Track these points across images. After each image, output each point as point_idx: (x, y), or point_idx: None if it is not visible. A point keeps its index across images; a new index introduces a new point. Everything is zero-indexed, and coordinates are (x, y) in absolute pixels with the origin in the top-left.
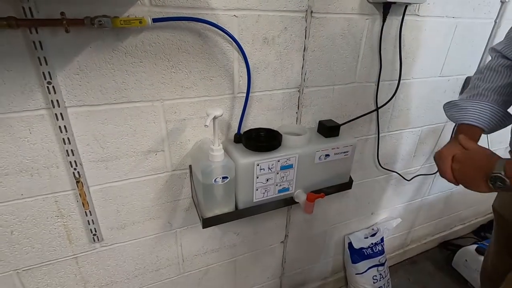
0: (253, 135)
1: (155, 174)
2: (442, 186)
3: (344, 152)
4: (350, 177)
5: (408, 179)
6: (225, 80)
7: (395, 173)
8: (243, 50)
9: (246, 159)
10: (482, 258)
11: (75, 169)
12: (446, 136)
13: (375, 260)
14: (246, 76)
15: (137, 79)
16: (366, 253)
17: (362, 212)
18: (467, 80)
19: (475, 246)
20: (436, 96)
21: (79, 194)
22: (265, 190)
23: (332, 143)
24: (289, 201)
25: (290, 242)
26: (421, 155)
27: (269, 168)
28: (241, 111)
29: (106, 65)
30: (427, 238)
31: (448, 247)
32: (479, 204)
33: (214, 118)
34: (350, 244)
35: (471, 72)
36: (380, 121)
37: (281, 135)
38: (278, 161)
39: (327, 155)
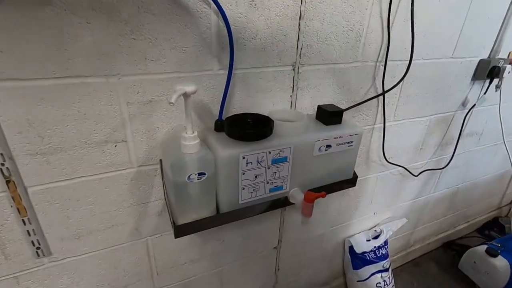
0: (238, 121)
1: (116, 170)
2: (448, 182)
3: (348, 143)
4: (354, 172)
5: (416, 174)
6: (202, 52)
7: (401, 168)
8: (224, 13)
9: (228, 150)
10: (492, 260)
11: (2, 164)
12: (456, 127)
13: (378, 265)
14: (229, 48)
15: (84, 45)
16: (368, 258)
17: (363, 212)
18: (480, 64)
19: (484, 246)
20: (446, 80)
21: (12, 197)
22: (254, 189)
23: (335, 132)
24: (283, 202)
25: (284, 248)
26: (429, 148)
27: (258, 161)
28: (222, 92)
29: (38, 24)
30: (430, 239)
31: (452, 248)
32: (485, 200)
33: (185, 95)
34: (351, 248)
35: (484, 54)
36: (386, 108)
37: (272, 121)
38: (269, 153)
39: (329, 146)
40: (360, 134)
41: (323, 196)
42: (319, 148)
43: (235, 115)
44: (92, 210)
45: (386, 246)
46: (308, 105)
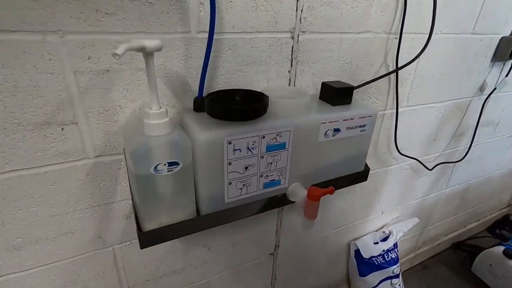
0: (223, 97)
1: (65, 162)
2: (461, 177)
3: (361, 127)
4: (366, 164)
5: (430, 168)
6: (176, 6)
7: (412, 161)
8: None
9: (209, 133)
10: (511, 262)
11: None
12: (472, 115)
13: (388, 271)
14: (209, 3)
15: None
16: (377, 263)
17: (370, 211)
18: (502, 42)
19: (501, 248)
20: (465, 60)
21: None
22: (244, 185)
23: (344, 113)
24: (281, 201)
25: (281, 253)
26: (442, 139)
27: (248, 148)
28: (202, 61)
29: None
30: (440, 239)
31: (462, 248)
32: (496, 197)
33: (145, 53)
34: (357, 252)
35: (507, 31)
36: (399, 91)
37: (266, 96)
38: (263, 137)
39: (337, 130)
40: (375, 116)
41: (331, 193)
42: (326, 132)
43: (219, 91)
44: (36, 213)
45: (396, 249)
46: (309, 83)
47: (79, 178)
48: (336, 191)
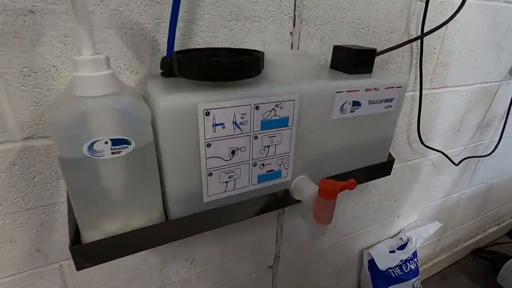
0: (200, 53)
1: None
2: (484, 175)
3: (386, 101)
4: (390, 154)
5: (456, 163)
6: None
7: (433, 156)
8: None
9: (176, 97)
10: None
11: None
12: (500, 103)
13: (407, 285)
14: None
15: None
16: (394, 275)
17: (386, 214)
18: None
19: None
20: (496, 35)
21: None
22: (230, 176)
23: (366, 81)
24: (282, 200)
25: (282, 266)
26: (467, 130)
27: (235, 123)
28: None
29: None
30: (458, 246)
31: (481, 256)
32: None
33: None
34: (371, 262)
35: None
36: (422, 69)
37: (261, 53)
38: (257, 107)
39: (356, 104)
40: (405, 87)
41: (351, 187)
42: (342, 106)
43: (195, 49)
44: None
45: (415, 259)
46: (316, 49)
47: (1, 169)
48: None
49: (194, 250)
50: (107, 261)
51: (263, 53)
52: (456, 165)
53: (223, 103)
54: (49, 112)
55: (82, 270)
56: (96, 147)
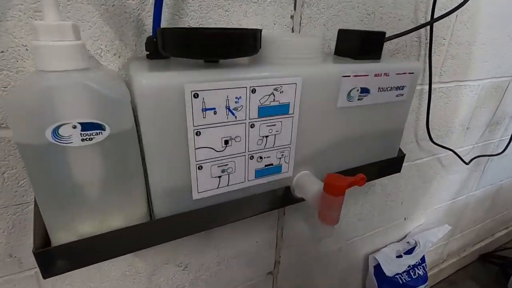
0: (189, 30)
1: None
2: (494, 175)
3: (398, 89)
4: (400, 149)
5: (467, 161)
6: None
7: (442, 155)
8: None
9: (159, 76)
10: None
11: None
12: (511, 100)
13: None
14: None
15: None
16: (401, 282)
17: (392, 216)
18: None
19: None
20: (507, 28)
21: None
22: (223, 171)
23: (375, 65)
24: (282, 198)
25: (283, 272)
26: (476, 127)
27: (229, 108)
28: None
29: None
30: (466, 250)
31: (490, 261)
32: None
33: None
34: (377, 268)
35: None
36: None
37: (258, 30)
38: (253, 90)
39: (365, 91)
40: (417, 73)
41: (361, 183)
42: (349, 92)
43: (185, 27)
44: None
45: (423, 264)
46: (319, 34)
47: None
48: (355, 189)
49: (187, 255)
50: (80, 268)
51: (261, 30)
52: (466, 164)
53: (214, 84)
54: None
55: (62, 277)
56: (62, 132)
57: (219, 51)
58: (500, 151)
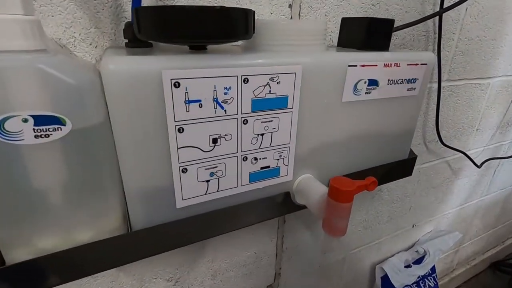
0: (166, 7)
1: None
2: (504, 179)
3: (409, 82)
4: (412, 151)
5: (478, 164)
6: None
7: (452, 158)
8: None
9: (133, 60)
10: None
11: None
12: None
13: None
14: None
15: None
16: None
17: (399, 224)
18: None
19: None
20: None
21: None
22: (212, 174)
23: (384, 54)
24: (281, 205)
25: (284, 285)
26: (487, 129)
27: (217, 100)
28: None
29: None
30: (476, 258)
31: (501, 269)
32: None
33: None
34: (385, 279)
35: None
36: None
37: (251, 11)
38: (245, 80)
39: (373, 84)
40: (431, 64)
41: (371, 188)
42: (356, 84)
43: (164, 6)
44: None
45: (434, 275)
46: None
47: None
48: (360, 195)
49: (178, 268)
50: None
51: (254, 11)
52: (478, 167)
53: (198, 72)
54: None
55: None
56: (9, 126)
57: (203, 32)
58: None
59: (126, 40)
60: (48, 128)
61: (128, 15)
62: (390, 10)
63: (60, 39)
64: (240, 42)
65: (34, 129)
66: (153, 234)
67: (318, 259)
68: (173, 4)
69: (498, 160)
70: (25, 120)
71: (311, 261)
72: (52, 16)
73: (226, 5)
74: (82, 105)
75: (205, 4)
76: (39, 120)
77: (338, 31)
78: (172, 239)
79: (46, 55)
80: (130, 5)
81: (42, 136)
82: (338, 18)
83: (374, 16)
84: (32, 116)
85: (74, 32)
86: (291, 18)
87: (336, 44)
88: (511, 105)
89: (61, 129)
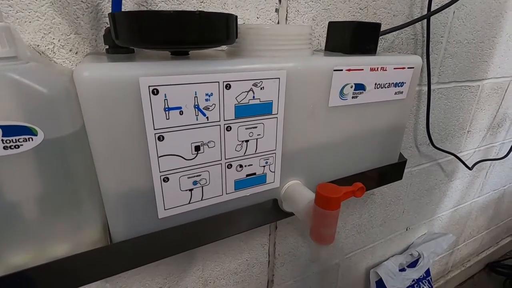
0: (142, 12)
1: None
2: (496, 181)
3: (396, 86)
4: (401, 154)
5: (470, 166)
6: None
7: (444, 160)
8: None
9: (108, 67)
10: None
11: None
12: (511, 100)
13: None
14: None
15: None
16: None
17: (393, 227)
18: None
19: None
20: (507, 26)
21: None
22: (195, 182)
23: (371, 58)
24: (269, 213)
25: None
26: (477, 130)
27: (198, 107)
28: None
29: None
30: (471, 260)
31: (497, 270)
32: None
33: None
34: (379, 283)
35: None
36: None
37: (232, 16)
38: (228, 86)
39: (360, 88)
40: (418, 68)
41: (359, 194)
42: (342, 89)
43: (146, 11)
44: None
45: (428, 278)
46: None
47: None
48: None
49: (167, 277)
50: None
51: (236, 16)
52: (470, 169)
53: (177, 78)
54: None
55: None
56: None
57: (181, 37)
58: (503, 155)
59: (107, 46)
60: (18, 139)
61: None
62: (378, 14)
63: (38, 45)
64: (224, 47)
65: (2, 140)
66: (134, 245)
67: (312, 265)
68: (157, 8)
69: (490, 161)
70: None
71: (305, 267)
72: (30, 22)
73: (211, 9)
74: (55, 114)
75: (190, 8)
76: (8, 130)
77: (325, 35)
78: (155, 250)
79: (17, 62)
80: (111, 10)
81: (12, 147)
82: (326, 22)
83: (362, 20)
84: (1, 126)
85: (53, 38)
86: (278, 22)
87: (323, 48)
88: (501, 107)
89: (32, 139)
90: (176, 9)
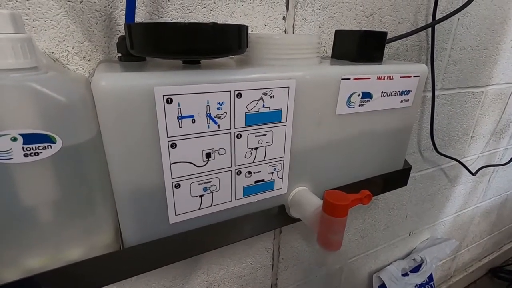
0: (158, 24)
1: None
2: (499, 187)
3: (402, 93)
4: (406, 161)
5: (473, 172)
6: None
7: (447, 165)
8: None
9: (124, 77)
10: None
11: None
12: None
13: None
14: None
15: None
16: None
17: (396, 232)
18: None
19: None
20: (510, 32)
21: None
22: (206, 189)
23: (378, 67)
24: (276, 218)
25: None
26: (481, 136)
27: (210, 115)
28: None
29: None
30: (473, 265)
31: (499, 276)
32: None
33: None
34: (382, 287)
35: None
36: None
37: (244, 27)
38: (239, 95)
39: (367, 96)
40: (423, 76)
41: (366, 201)
42: (349, 97)
43: (159, 23)
44: None
45: (431, 283)
46: None
47: None
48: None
49: (173, 280)
50: None
51: (247, 26)
52: (473, 175)
53: (191, 88)
54: None
55: None
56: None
57: (195, 47)
58: (506, 161)
59: (120, 54)
60: (38, 147)
61: (121, 28)
62: (384, 21)
63: (53, 53)
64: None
65: (23, 148)
66: (145, 250)
67: (315, 270)
68: (168, 16)
69: (493, 167)
70: (14, 139)
71: (308, 271)
72: (45, 30)
73: (221, 17)
74: (73, 122)
75: (200, 16)
76: (29, 139)
77: (332, 42)
78: (165, 255)
79: (37, 72)
80: (124, 19)
81: (32, 154)
82: (332, 29)
83: (368, 28)
84: (21, 134)
85: (67, 46)
86: (285, 30)
87: (330, 55)
88: (504, 113)
89: (51, 147)
90: (187, 17)
